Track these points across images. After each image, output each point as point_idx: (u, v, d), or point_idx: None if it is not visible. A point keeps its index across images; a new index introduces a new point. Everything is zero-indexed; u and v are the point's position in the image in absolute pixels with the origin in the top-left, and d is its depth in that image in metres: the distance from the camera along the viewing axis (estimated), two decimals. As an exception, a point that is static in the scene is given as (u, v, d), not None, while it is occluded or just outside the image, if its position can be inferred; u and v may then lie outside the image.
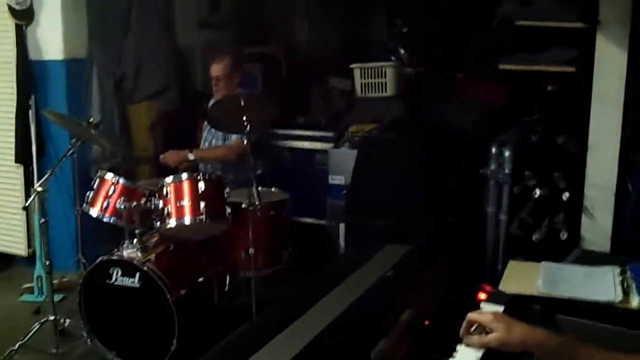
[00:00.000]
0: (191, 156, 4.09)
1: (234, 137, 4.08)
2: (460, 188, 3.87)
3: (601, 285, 2.36)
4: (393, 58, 4.76)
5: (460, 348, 1.67)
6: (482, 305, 1.94)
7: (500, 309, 1.90)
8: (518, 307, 1.95)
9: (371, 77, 4.49)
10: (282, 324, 1.69)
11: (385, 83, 4.45)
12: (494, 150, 3.35)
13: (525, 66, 3.64)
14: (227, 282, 3.84)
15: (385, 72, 4.44)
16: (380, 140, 4.01)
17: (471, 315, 1.65)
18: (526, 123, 3.75)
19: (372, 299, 1.88)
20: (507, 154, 3.31)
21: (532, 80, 4.00)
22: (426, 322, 1.89)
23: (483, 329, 1.61)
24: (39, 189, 3.37)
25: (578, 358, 1.49)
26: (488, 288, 2.09)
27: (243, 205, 3.53)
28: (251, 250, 3.43)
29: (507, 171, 3.31)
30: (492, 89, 4.43)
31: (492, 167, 3.35)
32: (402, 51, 4.82)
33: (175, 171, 4.05)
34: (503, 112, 4.28)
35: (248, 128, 3.47)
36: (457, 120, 4.17)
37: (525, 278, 2.48)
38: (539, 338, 1.52)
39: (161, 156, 4.23)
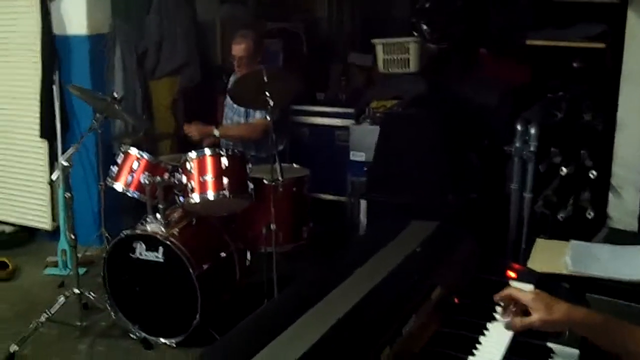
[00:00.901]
0: (216, 132, 4.10)
1: (257, 116, 4.07)
2: (483, 165, 3.84)
3: (630, 264, 2.34)
4: (415, 34, 4.71)
5: (492, 326, 1.66)
6: (511, 283, 1.93)
7: (530, 287, 1.89)
8: (547, 285, 1.93)
9: (394, 53, 4.45)
10: (307, 302, 1.69)
11: (408, 59, 4.42)
12: (519, 127, 3.30)
13: (553, 42, 3.57)
14: (248, 257, 3.87)
15: (408, 48, 4.40)
16: (403, 116, 3.98)
17: (512, 292, 1.61)
18: (551, 100, 3.70)
19: (401, 276, 1.87)
20: (532, 130, 3.27)
21: (557, 56, 3.94)
22: (456, 300, 1.88)
23: (520, 308, 1.59)
24: (64, 163, 3.38)
25: (621, 335, 1.47)
26: (517, 266, 2.08)
27: (265, 181, 3.53)
28: (272, 226, 3.42)
29: (532, 148, 3.27)
30: (516, 65, 4.38)
31: (517, 144, 3.30)
32: (424, 27, 4.75)
33: (196, 146, 4.05)
34: (527, 89, 4.23)
35: (271, 103, 3.45)
36: (480, 97, 4.13)
37: (553, 257, 2.46)
38: (581, 316, 1.50)
39: (186, 125, 4.23)
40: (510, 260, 3.02)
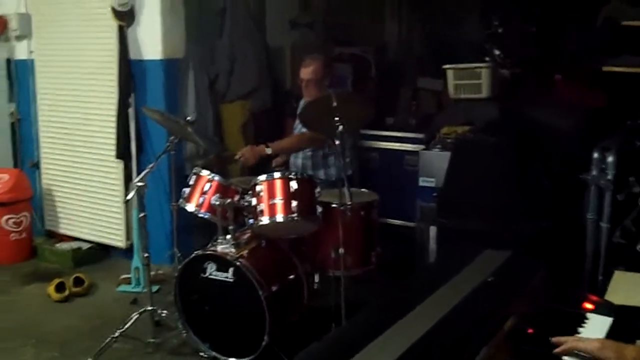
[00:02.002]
0: (268, 150, 4.09)
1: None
2: (557, 193, 3.75)
3: None
4: (487, 59, 4.67)
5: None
6: (589, 315, 1.88)
7: (608, 320, 1.83)
8: (627, 318, 1.87)
9: (465, 78, 4.41)
10: (377, 328, 1.68)
11: (480, 84, 4.37)
12: (595, 155, 3.22)
13: (631, 68, 3.48)
14: (316, 280, 3.88)
15: (480, 73, 4.36)
16: (475, 142, 3.93)
17: (575, 345, 1.59)
18: (630, 127, 3.59)
19: (474, 305, 1.85)
20: (610, 159, 3.18)
21: (633, 82, 3.83)
22: (530, 331, 1.84)
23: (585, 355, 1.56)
24: (139, 183, 3.49)
25: None
26: (594, 298, 2.02)
27: (333, 205, 3.54)
28: (341, 250, 3.42)
29: (609, 177, 3.18)
30: (591, 91, 4.27)
31: (594, 172, 3.22)
32: (496, 52, 4.72)
33: (265, 170, 4.10)
34: (602, 115, 4.12)
35: (340, 128, 3.47)
36: (554, 123, 4.04)
37: (633, 289, 2.38)
38: None
39: (238, 154, 4.16)
40: (585, 291, 2.93)
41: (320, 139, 3.83)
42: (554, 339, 1.65)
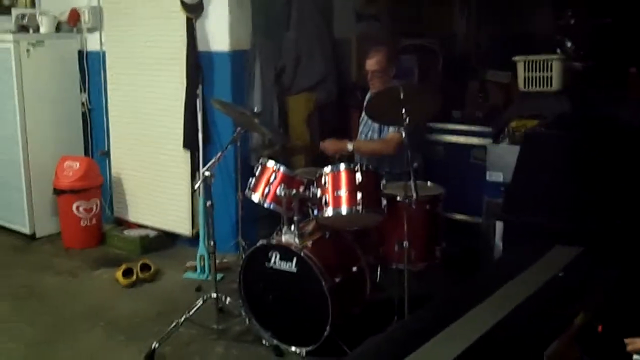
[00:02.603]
0: (350, 146, 4.14)
1: (390, 130, 4.07)
2: (631, 190, 3.61)
3: None
4: (559, 51, 4.54)
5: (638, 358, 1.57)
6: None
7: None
8: None
9: (536, 71, 4.30)
10: (444, 320, 1.67)
11: (551, 77, 4.25)
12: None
13: None
14: (379, 273, 3.86)
15: (551, 65, 4.24)
16: (547, 136, 3.81)
17: None
18: None
19: (544, 299, 1.81)
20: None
21: None
22: (599, 328, 1.79)
23: None
24: (207, 173, 3.54)
25: None
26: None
27: (398, 198, 3.52)
28: (405, 244, 3.39)
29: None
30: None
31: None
32: (568, 44, 4.58)
33: (330, 161, 4.12)
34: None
35: (407, 120, 3.44)
36: (627, 117, 3.90)
37: None
38: None
39: (322, 143, 4.30)
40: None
41: (401, 148, 3.78)
42: (627, 340, 1.60)
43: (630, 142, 3.73)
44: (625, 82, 4.48)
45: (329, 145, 4.25)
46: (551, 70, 4.25)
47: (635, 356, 1.59)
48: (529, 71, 4.34)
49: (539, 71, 4.29)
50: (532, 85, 4.34)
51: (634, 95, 4.35)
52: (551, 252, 2.15)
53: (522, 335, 1.60)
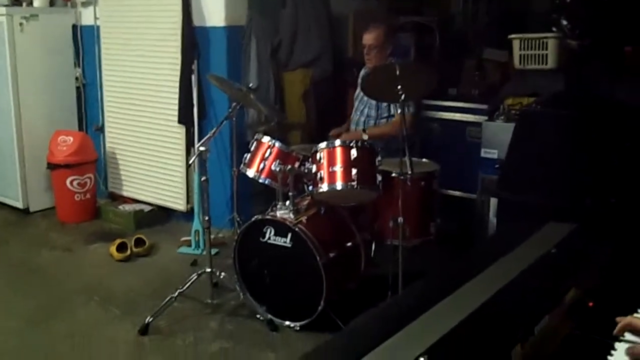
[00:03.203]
0: (365, 136, 4.11)
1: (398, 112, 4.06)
2: (624, 168, 3.63)
3: None
4: (554, 29, 4.52)
5: (620, 346, 1.58)
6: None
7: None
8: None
9: (531, 49, 4.29)
10: (438, 295, 1.68)
11: (546, 55, 4.24)
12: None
13: None
14: (373, 249, 3.88)
15: (546, 43, 4.23)
16: (541, 114, 3.82)
17: (632, 321, 1.56)
18: None
19: (536, 275, 1.83)
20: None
21: None
22: (590, 304, 1.81)
23: None
24: (202, 148, 3.54)
25: None
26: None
27: (393, 174, 3.52)
28: (399, 220, 3.41)
29: (681, 152, 3.05)
30: (665, 64, 4.09)
31: (665, 147, 3.10)
32: (564, 22, 4.55)
33: (325, 137, 4.12)
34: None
35: (402, 97, 3.43)
36: (623, 96, 3.90)
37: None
38: None
39: (333, 132, 4.30)
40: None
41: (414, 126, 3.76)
42: (618, 319, 1.62)
43: (625, 121, 3.74)
44: (621, 60, 4.47)
45: (345, 137, 4.20)
46: (546, 48, 4.24)
47: (626, 335, 1.61)
48: (524, 49, 4.32)
49: (535, 49, 4.27)
50: (527, 63, 4.32)
51: (629, 74, 4.34)
52: (544, 228, 2.16)
53: (514, 310, 1.61)
